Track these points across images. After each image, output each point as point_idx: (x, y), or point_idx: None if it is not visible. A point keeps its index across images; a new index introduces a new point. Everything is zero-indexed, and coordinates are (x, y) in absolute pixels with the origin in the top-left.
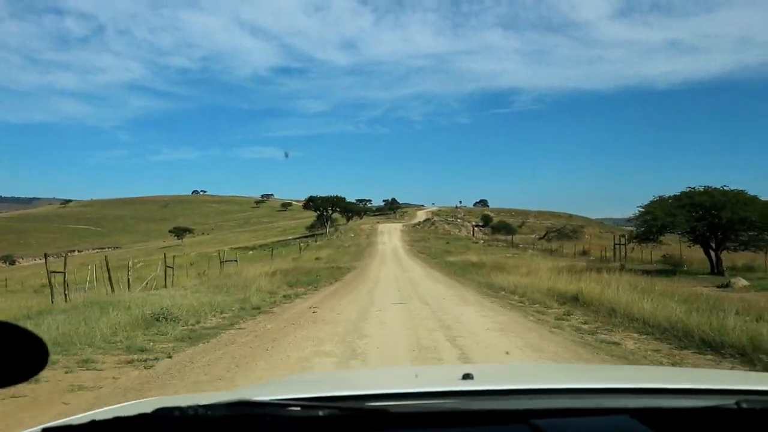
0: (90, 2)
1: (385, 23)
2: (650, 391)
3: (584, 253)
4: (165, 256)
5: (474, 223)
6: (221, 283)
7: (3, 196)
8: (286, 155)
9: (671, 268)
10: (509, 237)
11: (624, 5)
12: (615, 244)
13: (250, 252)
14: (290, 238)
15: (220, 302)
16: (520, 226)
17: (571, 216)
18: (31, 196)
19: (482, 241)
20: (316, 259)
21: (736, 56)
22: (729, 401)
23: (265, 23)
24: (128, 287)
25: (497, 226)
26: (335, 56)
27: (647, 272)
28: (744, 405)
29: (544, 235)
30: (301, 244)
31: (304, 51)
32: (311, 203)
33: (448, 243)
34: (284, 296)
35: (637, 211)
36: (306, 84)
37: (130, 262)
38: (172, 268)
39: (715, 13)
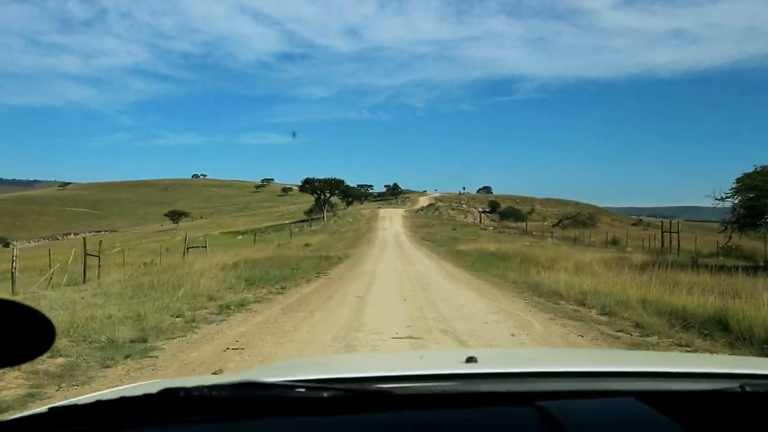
0: None
1: (389, 9)
2: (655, 374)
3: (614, 242)
4: (85, 242)
5: (480, 209)
6: (153, 280)
7: (4, 178)
8: (294, 135)
9: (763, 264)
10: (519, 224)
11: None
12: (664, 231)
13: (239, 237)
14: (287, 222)
15: (83, 323)
16: (529, 213)
17: (577, 204)
18: (32, 179)
19: (492, 228)
20: (305, 245)
21: (741, 47)
22: (733, 384)
23: (268, 8)
24: (12, 284)
25: (505, 213)
26: (338, 42)
27: (733, 269)
28: (748, 388)
29: (558, 222)
30: (294, 229)
31: (307, 37)
32: (308, 185)
33: (454, 229)
34: (220, 307)
35: (732, 189)
36: (308, 70)
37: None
38: (98, 256)
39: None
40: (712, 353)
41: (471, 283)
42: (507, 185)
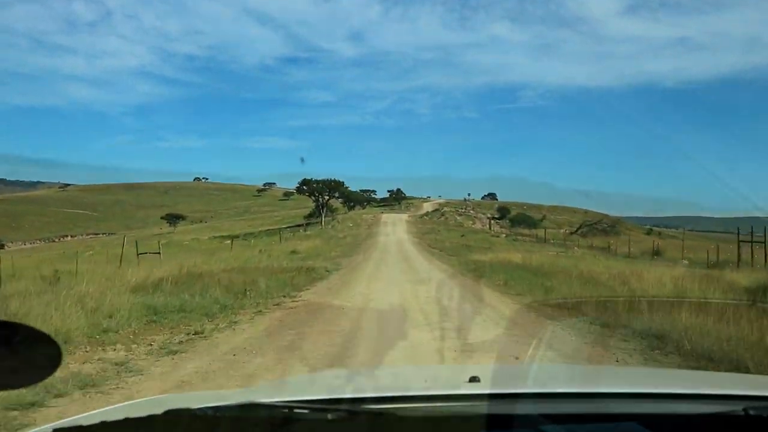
0: None
1: (393, 15)
2: (658, 396)
3: (657, 253)
4: None
5: (489, 216)
6: None
7: (7, 179)
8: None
9: None
10: (533, 231)
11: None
12: (741, 240)
13: (227, 241)
14: (284, 227)
15: None
16: (541, 220)
17: (586, 212)
18: (35, 180)
19: (504, 235)
20: (292, 252)
21: (745, 56)
22: (737, 407)
23: (273, 12)
24: None
25: (516, 219)
26: (342, 47)
27: None
28: (752, 412)
29: (577, 230)
30: (285, 234)
31: (312, 41)
32: (305, 187)
33: (463, 236)
34: None
35: None
36: (312, 74)
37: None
38: None
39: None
40: None
41: (556, 342)
42: (512, 193)
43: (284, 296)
